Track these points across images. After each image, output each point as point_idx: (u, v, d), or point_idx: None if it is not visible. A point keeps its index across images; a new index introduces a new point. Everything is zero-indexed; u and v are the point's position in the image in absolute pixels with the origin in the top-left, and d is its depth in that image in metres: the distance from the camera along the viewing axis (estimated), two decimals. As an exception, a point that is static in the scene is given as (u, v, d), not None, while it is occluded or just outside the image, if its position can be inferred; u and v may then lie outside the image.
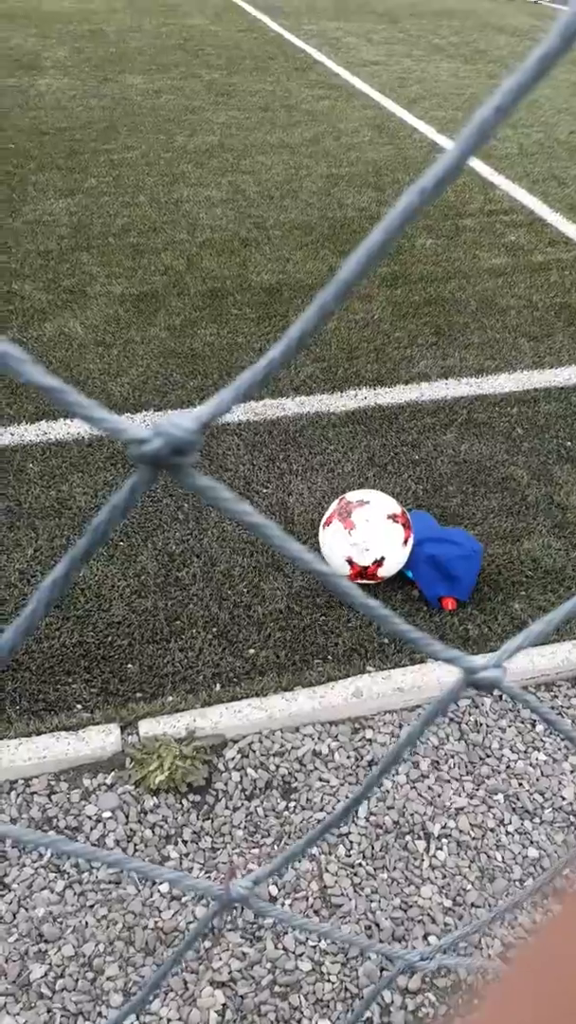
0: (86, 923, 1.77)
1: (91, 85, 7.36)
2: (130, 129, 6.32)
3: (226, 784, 2.04)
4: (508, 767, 2.09)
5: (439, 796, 2.03)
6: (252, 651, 2.34)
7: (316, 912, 1.80)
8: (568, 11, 0.22)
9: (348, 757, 2.09)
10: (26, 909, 1.80)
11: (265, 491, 2.95)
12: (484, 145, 0.24)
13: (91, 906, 1.81)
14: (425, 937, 1.78)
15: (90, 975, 1.69)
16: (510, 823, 1.98)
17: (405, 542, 2.46)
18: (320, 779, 2.05)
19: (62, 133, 6.15)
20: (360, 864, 1.89)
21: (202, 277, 4.31)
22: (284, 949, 1.75)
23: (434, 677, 2.24)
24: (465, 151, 0.24)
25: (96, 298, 4.07)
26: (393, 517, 2.47)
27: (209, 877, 1.86)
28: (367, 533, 2.42)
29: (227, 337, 3.81)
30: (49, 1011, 1.63)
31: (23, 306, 3.97)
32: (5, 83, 7.22)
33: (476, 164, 5.86)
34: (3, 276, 4.21)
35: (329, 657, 2.32)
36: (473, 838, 1.95)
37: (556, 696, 2.27)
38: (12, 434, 3.15)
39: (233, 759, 2.09)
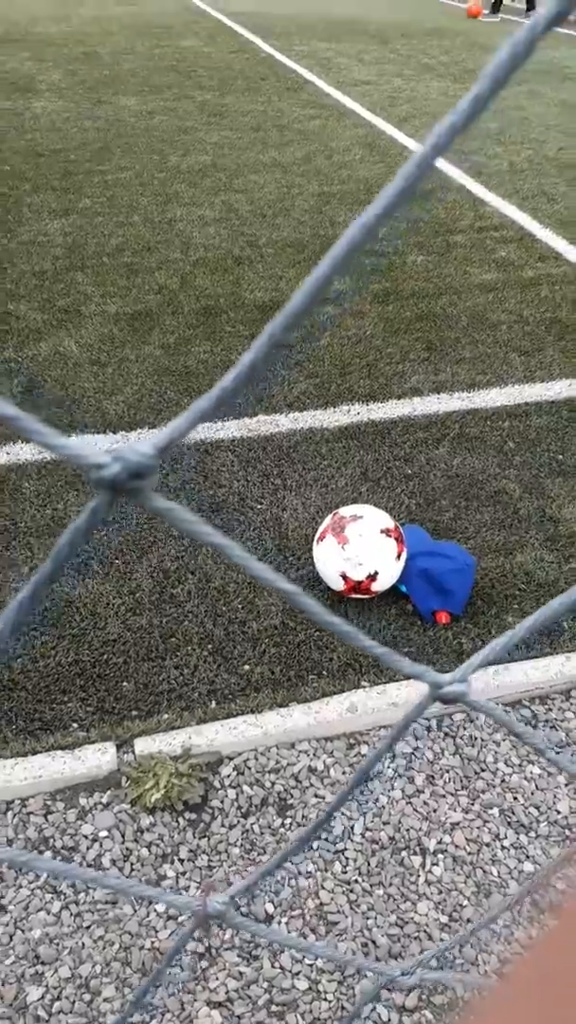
0: (83, 944, 1.76)
1: (85, 107, 7.43)
2: (124, 150, 6.37)
3: (222, 802, 2.03)
4: (503, 781, 2.09)
5: (434, 811, 2.02)
6: (247, 667, 2.33)
7: (312, 930, 1.79)
8: (496, 58, 0.23)
9: (344, 773, 2.08)
10: (23, 931, 1.78)
11: (259, 507, 2.95)
12: (424, 177, 0.25)
13: (88, 927, 1.80)
14: (421, 954, 1.77)
15: (87, 997, 1.67)
16: (506, 837, 1.97)
17: (398, 556, 2.47)
18: (316, 795, 2.04)
19: (57, 155, 6.20)
20: (356, 880, 1.88)
21: (196, 295, 4.33)
22: (281, 968, 1.74)
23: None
24: (406, 187, 0.25)
25: (91, 317, 4.09)
26: (386, 531, 2.48)
27: (205, 896, 1.85)
28: (360, 548, 2.43)
29: (221, 354, 3.83)
30: (45, 1034, 1.61)
31: (18, 326, 3.99)
32: (1, 106, 7.28)
33: (466, 181, 5.91)
34: (1, 295, 4.23)
35: (324, 672, 2.31)
36: (469, 853, 1.94)
37: (550, 709, 2.26)
38: (7, 453, 3.16)
39: (229, 776, 2.08)
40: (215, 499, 2.98)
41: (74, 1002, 1.66)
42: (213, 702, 2.25)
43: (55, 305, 4.17)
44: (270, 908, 1.82)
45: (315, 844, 1.94)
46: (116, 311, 4.15)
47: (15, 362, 3.70)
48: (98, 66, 8.96)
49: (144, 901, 1.84)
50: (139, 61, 9.26)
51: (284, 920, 1.79)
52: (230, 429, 3.36)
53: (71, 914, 1.82)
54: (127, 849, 1.94)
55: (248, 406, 3.50)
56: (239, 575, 2.64)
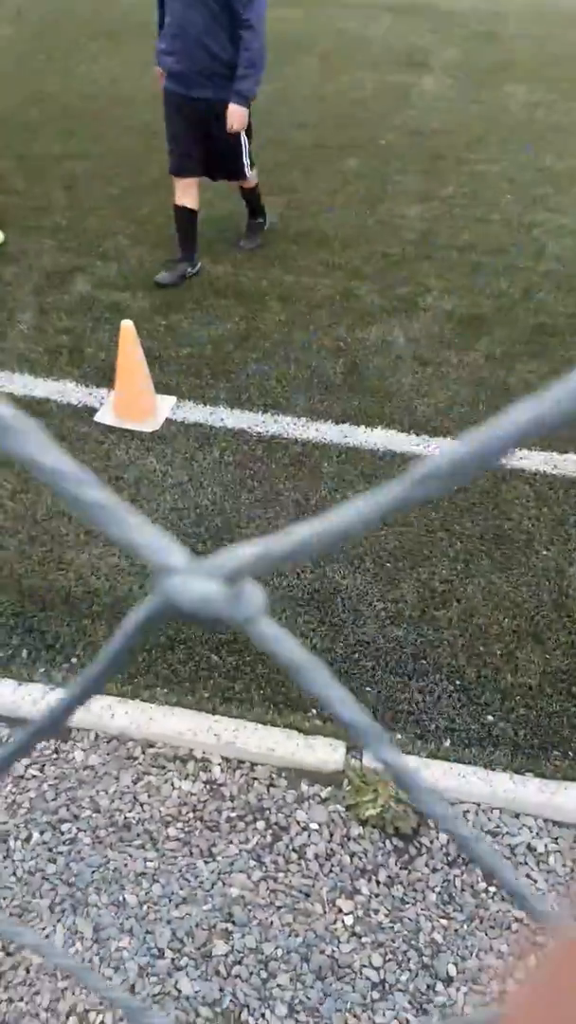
0: (271, 922, 1.86)
1: (471, 90, 7.33)
2: (499, 141, 6.22)
3: (431, 842, 2.02)
4: None
5: None
6: (491, 718, 2.27)
7: (489, 1012, 1.74)
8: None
9: (564, 866, 1.97)
10: (223, 883, 1.92)
11: (544, 553, 2.82)
12: None
13: (279, 907, 1.89)
14: None
15: (263, 974, 1.77)
16: None
17: None
18: (528, 876, 1.96)
19: (432, 136, 6.20)
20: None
21: (535, 309, 4.17)
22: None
23: None
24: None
25: (425, 311, 4.10)
26: None
27: (393, 927, 1.87)
28: None
29: (547, 377, 3.66)
30: (221, 990, 1.74)
31: (356, 305, 4.10)
32: (393, 79, 7.41)
33: None
34: (346, 272, 4.37)
35: (571, 753, 2.19)
36: None
37: None
38: (317, 430, 3.29)
39: (444, 820, 2.06)
40: (500, 531, 2.90)
41: (251, 974, 1.77)
42: (448, 741, 2.22)
43: (395, 292, 4.23)
44: (452, 970, 1.80)
45: (514, 926, 1.87)
46: (450, 309, 4.12)
47: (344, 342, 3.82)
48: (494, 47, 8.76)
49: (334, 907, 1.90)
50: (537, 47, 8.92)
51: (464, 989, 1.76)
52: (534, 460, 3.23)
53: (268, 888, 1.92)
54: (331, 850, 2.00)
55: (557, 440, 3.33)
56: (508, 620, 2.55)
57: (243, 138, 4.03)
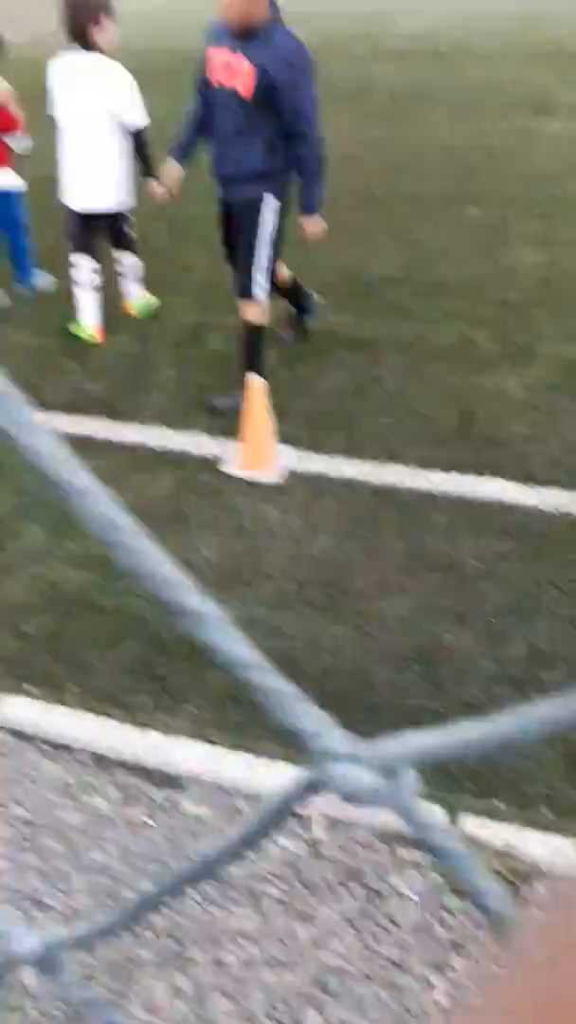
0: (364, 995, 1.75)
1: (597, 130, 6.92)
2: (625, 180, 5.82)
3: (529, 922, 1.85)
4: None
5: None
6: (596, 792, 2.07)
7: None
8: None
9: None
10: (319, 949, 1.83)
11: None
12: None
13: (370, 978, 1.78)
14: None
15: (353, 1048, 1.67)
16: None
17: None
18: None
19: (554, 181, 5.91)
20: None
21: None
22: None
23: None
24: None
25: (541, 358, 3.87)
26: None
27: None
28: None
29: None
30: (311, 1060, 1.65)
31: (471, 353, 3.94)
32: (519, 126, 7.12)
33: None
34: (465, 320, 4.20)
35: None
36: None
37: None
38: (428, 480, 3.16)
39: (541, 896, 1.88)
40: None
41: (341, 1046, 1.67)
42: (547, 809, 2.04)
43: (511, 339, 4.03)
44: None
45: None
46: (568, 356, 3.87)
47: (458, 390, 3.66)
48: (623, 84, 8.25)
49: (427, 984, 1.76)
50: None
51: None
52: None
53: (363, 958, 1.82)
54: (427, 920, 1.88)
55: None
56: (617, 687, 2.32)
57: (262, 248, 3.34)
